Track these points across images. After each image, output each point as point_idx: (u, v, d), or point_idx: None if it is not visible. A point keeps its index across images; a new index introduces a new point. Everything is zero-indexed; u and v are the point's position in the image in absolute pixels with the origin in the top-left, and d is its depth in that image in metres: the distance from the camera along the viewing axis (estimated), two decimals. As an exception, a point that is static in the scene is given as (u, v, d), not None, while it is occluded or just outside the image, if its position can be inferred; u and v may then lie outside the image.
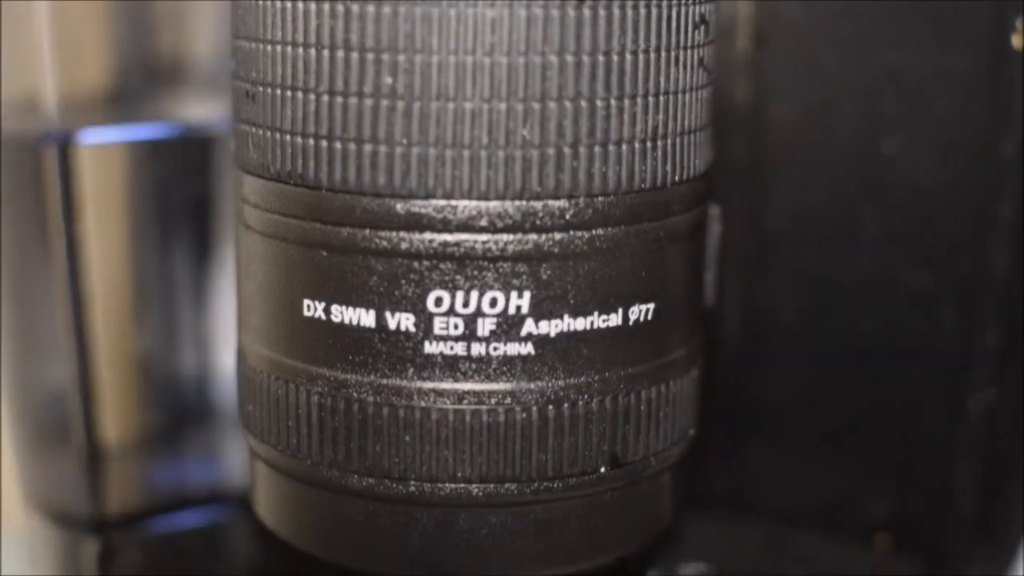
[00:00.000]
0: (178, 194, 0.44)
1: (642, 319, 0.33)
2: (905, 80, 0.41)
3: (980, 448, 0.42)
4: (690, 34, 0.32)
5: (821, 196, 0.43)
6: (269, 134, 0.33)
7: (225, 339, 0.46)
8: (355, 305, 0.32)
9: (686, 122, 0.33)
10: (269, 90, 0.32)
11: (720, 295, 0.40)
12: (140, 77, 0.44)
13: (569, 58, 0.31)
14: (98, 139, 0.42)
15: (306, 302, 0.33)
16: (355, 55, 0.31)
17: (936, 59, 0.40)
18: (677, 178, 0.33)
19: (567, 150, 0.31)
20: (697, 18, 0.33)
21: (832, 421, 0.43)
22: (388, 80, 0.31)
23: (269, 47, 0.32)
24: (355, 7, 0.30)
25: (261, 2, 0.32)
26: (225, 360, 0.47)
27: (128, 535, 0.45)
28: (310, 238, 0.32)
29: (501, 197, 0.31)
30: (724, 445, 0.44)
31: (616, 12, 0.31)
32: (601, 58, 0.31)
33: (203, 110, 0.44)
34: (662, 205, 0.33)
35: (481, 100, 0.30)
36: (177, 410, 0.48)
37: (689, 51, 0.33)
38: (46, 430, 0.47)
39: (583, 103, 0.31)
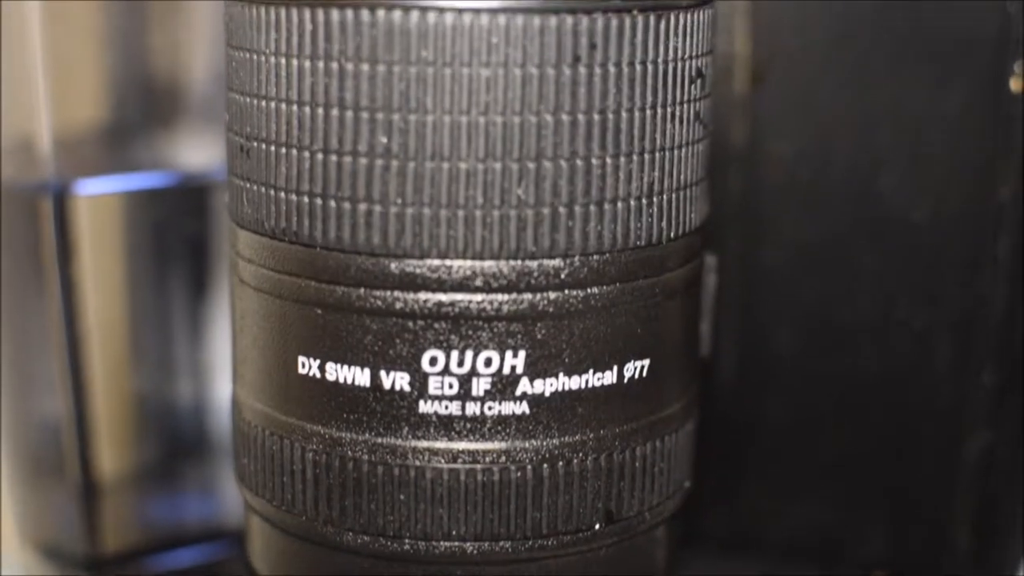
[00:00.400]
0: (175, 238, 0.44)
1: (637, 376, 0.33)
2: (902, 119, 0.41)
3: (977, 487, 0.42)
4: (686, 89, 0.32)
5: (817, 233, 0.43)
6: (263, 190, 0.32)
7: (222, 371, 0.46)
8: (350, 363, 0.32)
9: (682, 177, 0.33)
10: (263, 146, 0.32)
11: (716, 333, 0.40)
12: (137, 116, 0.44)
13: (564, 117, 0.30)
14: (95, 189, 0.42)
15: (301, 359, 0.33)
16: (349, 114, 0.31)
17: (933, 99, 0.40)
18: (673, 234, 0.33)
19: (562, 209, 0.31)
20: (693, 72, 0.33)
21: (829, 459, 0.43)
22: (383, 139, 0.30)
23: (263, 102, 0.32)
24: (349, 66, 0.30)
25: (255, 57, 0.32)
26: (222, 392, 0.47)
27: (124, 573, 0.45)
28: (305, 296, 0.32)
29: (496, 257, 0.31)
30: (720, 483, 0.44)
31: (612, 70, 0.31)
32: (596, 116, 0.31)
33: (201, 153, 0.44)
34: (657, 261, 0.33)
35: (476, 160, 0.30)
36: (174, 444, 0.48)
37: (686, 106, 0.32)
38: (41, 465, 0.47)
39: (578, 162, 0.31)
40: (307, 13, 0.30)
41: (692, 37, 0.32)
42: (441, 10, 0.30)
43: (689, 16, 0.32)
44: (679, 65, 0.32)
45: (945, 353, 0.41)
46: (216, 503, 0.48)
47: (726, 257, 0.43)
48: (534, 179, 0.31)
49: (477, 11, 0.30)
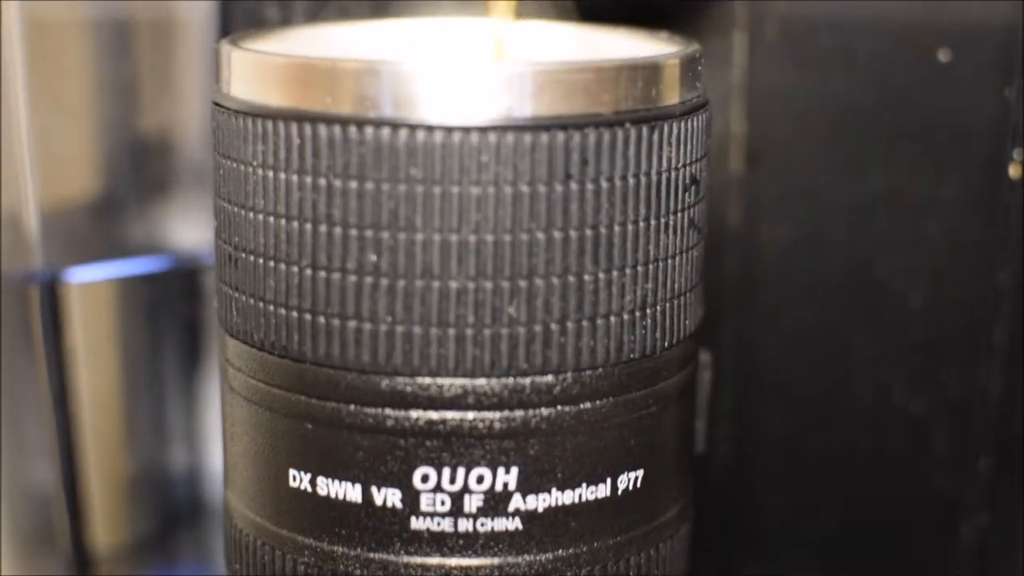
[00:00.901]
0: (168, 319, 0.43)
1: (631, 487, 0.33)
2: (900, 204, 0.40)
3: (973, 572, 0.41)
4: (680, 198, 0.32)
5: (813, 316, 0.42)
6: (252, 302, 0.32)
7: (216, 439, 0.46)
8: (341, 479, 0.31)
9: (676, 286, 0.32)
10: (251, 258, 0.32)
11: (711, 415, 0.40)
12: (128, 197, 0.43)
13: (556, 234, 0.30)
14: (86, 277, 0.41)
15: (292, 472, 0.32)
16: (338, 230, 0.30)
17: (931, 184, 0.40)
18: (667, 343, 0.32)
19: (554, 326, 0.30)
20: (688, 180, 0.32)
21: (824, 541, 0.43)
22: (372, 257, 0.30)
23: (251, 214, 0.31)
24: (337, 183, 0.30)
25: (242, 167, 0.31)
26: (216, 459, 0.46)
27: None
28: (295, 410, 0.32)
29: (488, 375, 0.30)
30: (716, 563, 0.44)
31: (604, 185, 0.30)
32: (589, 232, 0.30)
33: (193, 231, 0.43)
34: (651, 372, 0.32)
35: (467, 279, 0.30)
36: (168, 515, 0.47)
37: (680, 214, 0.32)
38: (34, 537, 0.46)
39: (571, 278, 0.30)
40: (294, 127, 0.30)
41: (686, 145, 0.32)
42: (430, 128, 0.29)
43: (683, 124, 0.32)
44: (673, 174, 0.31)
45: (942, 438, 0.41)
46: (212, 568, 0.48)
47: (721, 340, 0.42)
48: (526, 297, 0.30)
49: (467, 130, 0.29)
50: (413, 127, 0.29)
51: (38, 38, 0.40)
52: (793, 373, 0.42)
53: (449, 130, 0.29)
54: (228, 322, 0.33)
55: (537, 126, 0.29)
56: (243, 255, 0.32)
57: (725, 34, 0.41)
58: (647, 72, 0.31)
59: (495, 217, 0.30)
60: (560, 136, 0.29)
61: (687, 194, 0.32)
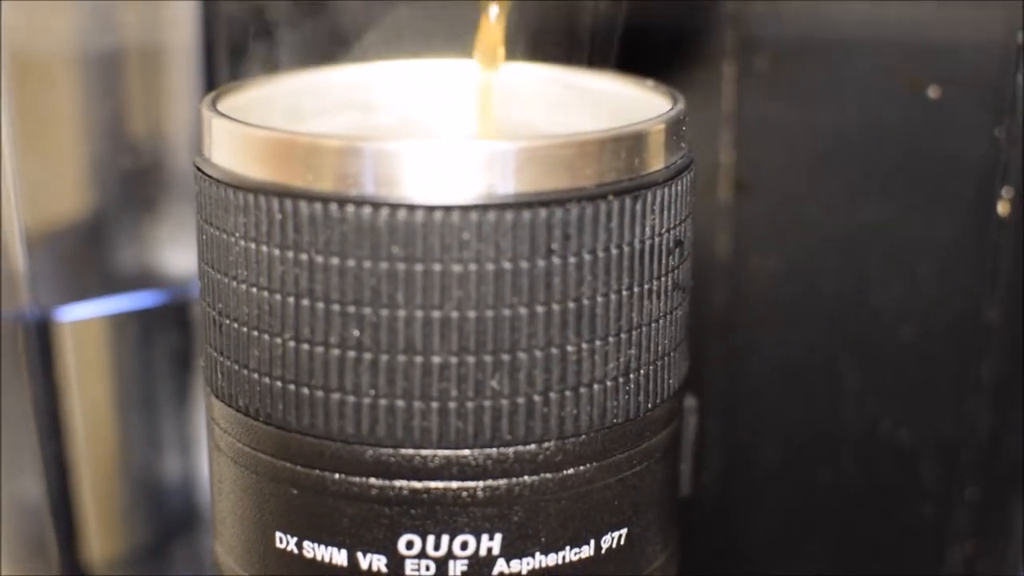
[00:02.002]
0: (160, 351, 0.43)
1: (615, 545, 0.33)
2: (889, 238, 0.40)
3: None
4: (664, 262, 0.32)
5: (802, 346, 0.42)
6: (236, 368, 0.32)
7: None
8: (327, 544, 0.32)
9: (660, 348, 0.32)
10: (235, 325, 0.32)
11: (699, 446, 0.40)
12: (117, 229, 0.43)
13: (539, 308, 0.30)
14: (76, 315, 0.41)
15: (278, 534, 0.32)
16: (320, 305, 0.30)
17: (921, 220, 0.40)
18: (651, 404, 0.33)
19: (537, 397, 0.31)
20: (672, 244, 0.32)
21: (812, 571, 0.43)
22: (355, 332, 0.30)
23: (234, 283, 0.31)
24: (320, 259, 0.30)
25: (225, 236, 0.31)
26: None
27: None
28: (280, 475, 0.32)
29: (471, 446, 0.31)
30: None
31: (587, 258, 0.30)
32: (572, 305, 0.30)
33: (184, 262, 0.43)
34: (636, 434, 0.32)
35: (449, 354, 0.30)
36: (163, 521, 0.48)
37: (664, 278, 0.32)
38: (28, 548, 0.47)
39: (553, 350, 0.30)
40: (275, 202, 0.30)
41: (671, 209, 0.32)
42: (412, 208, 0.29)
43: (667, 190, 0.31)
44: (657, 240, 0.31)
45: (929, 470, 0.41)
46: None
47: (708, 370, 0.42)
48: (509, 370, 0.30)
49: (448, 208, 0.29)
50: (395, 206, 0.29)
51: (23, 72, 0.40)
52: (781, 403, 0.43)
53: (431, 209, 0.29)
54: (214, 384, 0.33)
55: (519, 203, 0.29)
56: (227, 321, 0.32)
57: (714, 63, 0.41)
58: (631, 142, 0.31)
59: (477, 294, 0.30)
60: (542, 213, 0.29)
61: (671, 257, 0.32)
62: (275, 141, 0.30)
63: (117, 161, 0.43)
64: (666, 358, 0.33)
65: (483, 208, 0.29)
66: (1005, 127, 0.37)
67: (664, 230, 0.32)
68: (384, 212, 0.29)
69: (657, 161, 0.32)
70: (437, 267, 0.29)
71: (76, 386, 0.42)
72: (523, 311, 0.30)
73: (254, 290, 0.31)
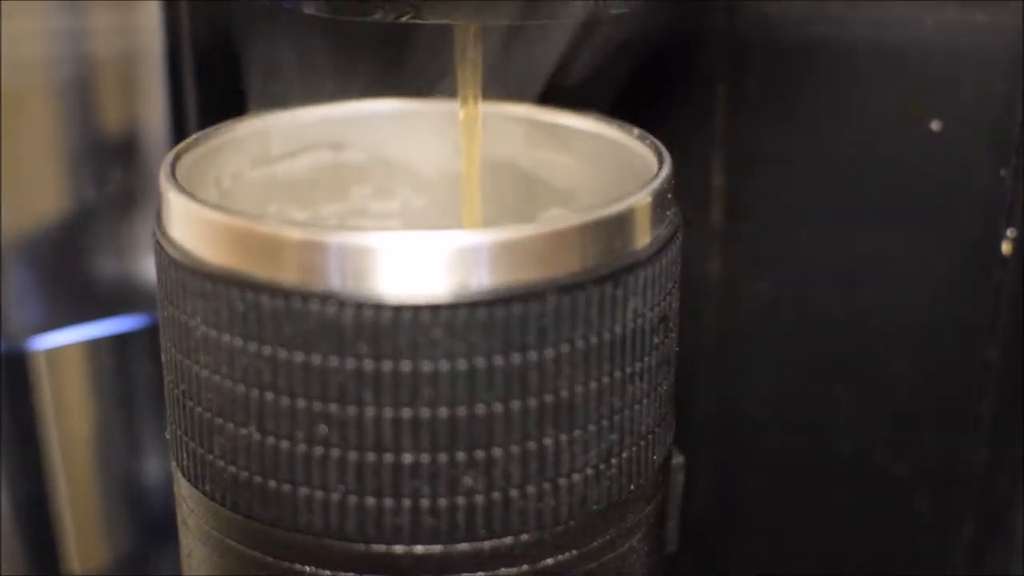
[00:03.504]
0: (140, 375, 0.42)
1: (597, 627, 0.32)
2: (884, 270, 0.39)
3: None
4: (648, 341, 0.30)
5: (794, 373, 0.41)
6: (201, 452, 0.31)
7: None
8: None
9: (644, 427, 0.31)
10: (199, 409, 0.30)
11: (689, 473, 0.39)
12: (95, 256, 0.41)
13: (515, 404, 0.29)
14: (53, 343, 0.40)
15: None
16: (285, 399, 0.29)
17: (919, 254, 0.38)
18: (634, 485, 0.31)
19: (514, 492, 0.29)
20: (656, 322, 0.30)
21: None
22: (322, 428, 0.29)
23: (196, 367, 0.30)
24: (283, 353, 0.28)
25: (186, 319, 0.30)
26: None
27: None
28: (249, 564, 0.31)
29: (445, 542, 0.29)
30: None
31: (564, 349, 0.29)
32: (549, 398, 0.29)
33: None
34: (618, 516, 0.31)
35: (421, 451, 0.28)
36: (145, 543, 0.47)
37: (648, 358, 0.30)
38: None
39: (530, 444, 0.29)
40: (236, 292, 0.28)
41: (655, 286, 0.30)
42: (379, 306, 0.27)
43: (652, 267, 0.30)
44: (640, 321, 0.30)
45: (924, 503, 0.40)
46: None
47: (699, 394, 0.41)
48: (484, 467, 0.29)
49: (418, 307, 0.27)
50: (361, 304, 0.27)
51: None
52: (772, 430, 0.41)
53: (399, 308, 0.27)
54: (180, 461, 0.32)
55: (493, 300, 0.28)
56: (191, 403, 0.30)
57: (706, 85, 0.39)
58: (613, 225, 0.29)
59: (449, 392, 0.28)
60: (517, 308, 0.28)
61: (655, 335, 0.30)
62: (234, 228, 0.29)
63: (92, 182, 0.41)
64: (650, 436, 0.31)
65: (455, 306, 0.27)
66: (1011, 168, 0.36)
67: (648, 309, 0.30)
68: (350, 310, 0.27)
69: (641, 238, 0.30)
70: (407, 365, 0.28)
71: (54, 414, 0.41)
72: (498, 408, 0.28)
73: (217, 378, 0.29)
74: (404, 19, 0.31)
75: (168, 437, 0.33)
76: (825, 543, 0.42)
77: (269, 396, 0.29)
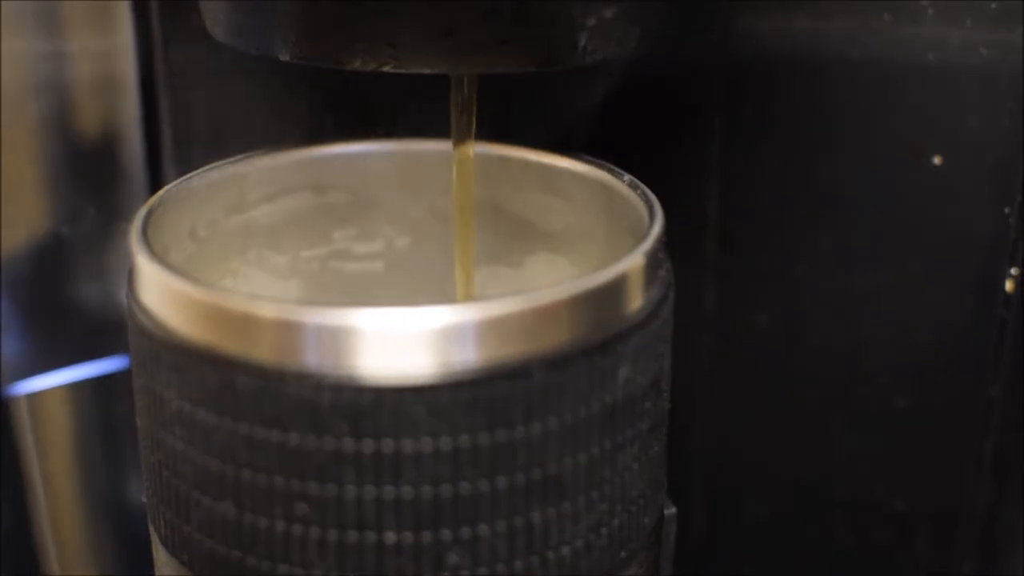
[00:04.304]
0: (125, 415, 0.41)
1: None
2: (886, 304, 0.37)
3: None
4: (639, 407, 0.29)
5: (793, 407, 0.40)
6: (178, 523, 0.30)
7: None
8: None
9: (634, 492, 0.30)
10: (175, 480, 0.29)
11: (685, 499, 0.38)
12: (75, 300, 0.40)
13: (501, 480, 0.27)
14: (34, 387, 0.38)
15: None
16: (262, 476, 0.28)
17: (919, 289, 0.37)
18: (625, 552, 0.30)
19: (501, 567, 0.28)
20: (648, 386, 0.29)
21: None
22: (302, 507, 0.28)
23: (170, 438, 0.29)
24: (259, 431, 0.27)
25: (158, 389, 0.29)
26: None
27: None
28: None
29: None
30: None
31: (552, 424, 0.27)
32: (536, 473, 0.28)
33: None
34: (609, 583, 0.30)
35: (404, 530, 0.27)
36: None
37: (639, 423, 0.29)
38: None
39: (518, 520, 0.28)
40: (208, 367, 0.27)
41: (647, 352, 0.29)
42: (359, 388, 0.26)
43: (643, 333, 0.29)
44: (631, 388, 0.29)
45: (923, 540, 0.39)
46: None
47: (694, 425, 0.40)
48: (470, 544, 0.28)
49: (398, 389, 0.26)
50: (339, 387, 0.26)
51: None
52: (769, 464, 0.40)
53: (379, 390, 0.26)
54: (158, 529, 0.31)
55: (478, 379, 0.26)
56: (167, 474, 0.29)
57: (701, 113, 0.38)
58: (603, 293, 0.28)
59: (433, 471, 0.27)
60: (503, 386, 0.27)
61: (646, 400, 0.29)
62: (205, 301, 0.27)
63: (75, 231, 0.39)
64: (641, 500, 0.30)
65: (438, 387, 0.26)
66: (1016, 206, 0.34)
67: (639, 374, 0.29)
68: (328, 392, 0.26)
69: (633, 302, 0.29)
70: (389, 445, 0.27)
71: (36, 456, 0.40)
72: (484, 485, 0.27)
73: (192, 451, 0.28)
74: (385, 69, 0.30)
75: (146, 502, 0.32)
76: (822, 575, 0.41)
77: (246, 473, 0.28)
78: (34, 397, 0.39)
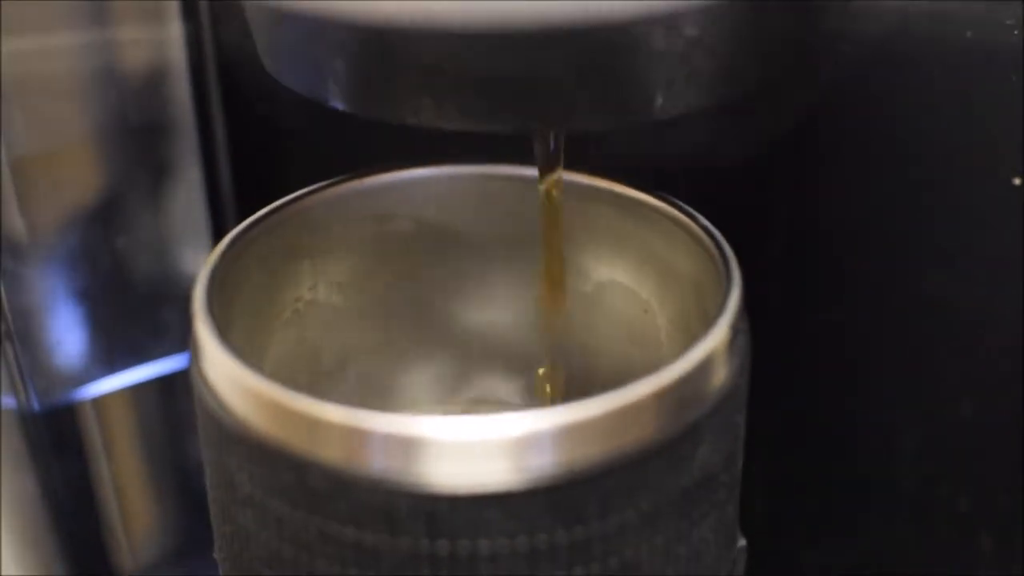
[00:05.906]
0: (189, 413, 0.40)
1: None
2: (951, 310, 0.36)
3: None
4: (715, 482, 0.28)
5: (859, 402, 0.39)
6: (249, 591, 0.29)
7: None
8: None
9: (709, 557, 0.30)
10: (246, 554, 0.29)
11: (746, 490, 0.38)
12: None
13: (578, 570, 0.27)
14: (99, 391, 0.38)
15: None
16: (337, 568, 0.27)
17: (987, 296, 0.36)
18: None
19: None
20: (724, 460, 0.29)
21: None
22: None
23: (241, 516, 0.28)
24: (332, 526, 0.27)
25: (230, 471, 0.28)
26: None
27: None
28: None
29: None
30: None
31: (630, 517, 0.27)
32: (613, 561, 0.27)
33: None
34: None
35: None
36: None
37: (714, 497, 0.29)
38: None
39: None
40: (279, 460, 0.27)
41: (728, 424, 0.28)
42: (433, 498, 0.26)
43: (724, 412, 0.28)
44: (708, 467, 0.28)
45: (988, 541, 0.39)
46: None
47: (757, 418, 0.40)
48: None
49: (475, 497, 0.26)
50: (411, 494, 0.26)
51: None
52: (834, 457, 0.40)
53: (453, 498, 0.26)
54: (227, 586, 0.31)
55: (554, 485, 0.26)
56: (238, 547, 0.29)
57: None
58: (687, 380, 0.27)
59: (510, 570, 0.27)
60: (581, 489, 0.26)
61: (723, 475, 0.29)
62: (275, 401, 0.27)
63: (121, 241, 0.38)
64: (717, 561, 0.30)
65: (515, 495, 0.26)
66: None
67: (716, 452, 0.28)
68: (403, 498, 0.26)
69: (716, 380, 0.28)
70: (465, 547, 0.26)
71: (104, 457, 0.39)
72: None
73: (265, 534, 0.28)
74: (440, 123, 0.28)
75: (216, 558, 0.32)
76: (886, 571, 0.41)
77: (321, 563, 0.27)
78: (99, 401, 0.39)
